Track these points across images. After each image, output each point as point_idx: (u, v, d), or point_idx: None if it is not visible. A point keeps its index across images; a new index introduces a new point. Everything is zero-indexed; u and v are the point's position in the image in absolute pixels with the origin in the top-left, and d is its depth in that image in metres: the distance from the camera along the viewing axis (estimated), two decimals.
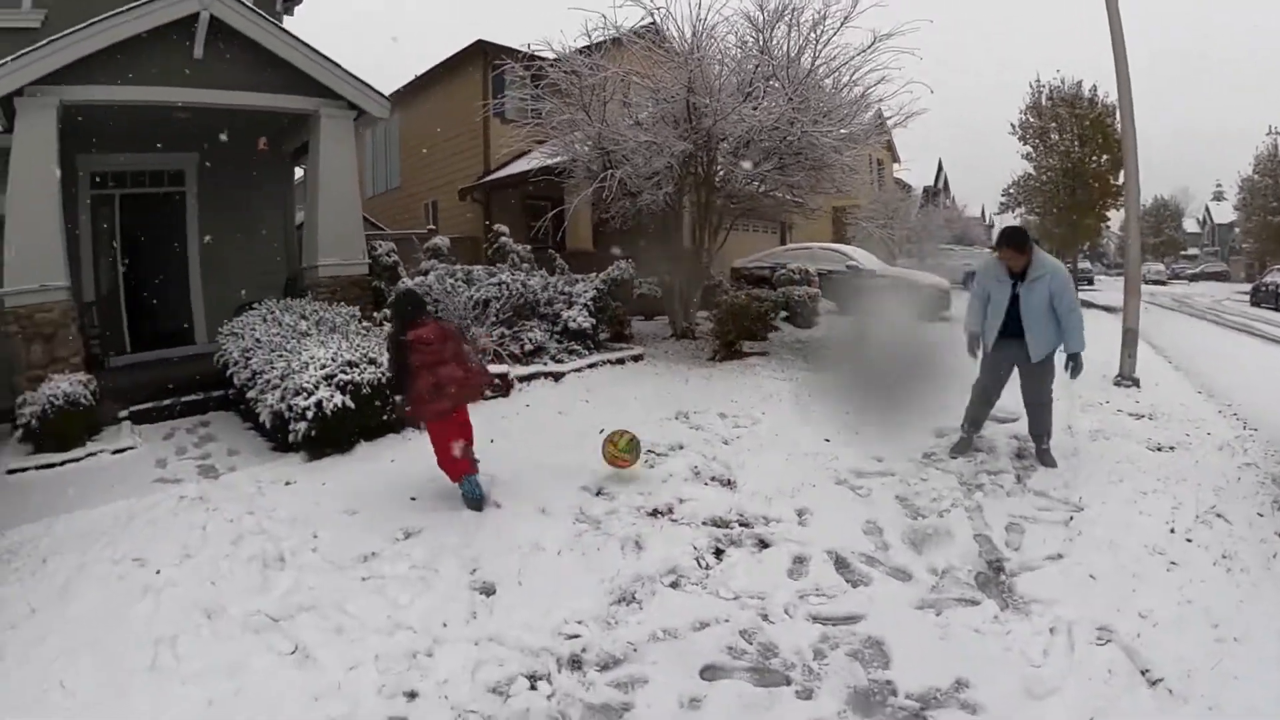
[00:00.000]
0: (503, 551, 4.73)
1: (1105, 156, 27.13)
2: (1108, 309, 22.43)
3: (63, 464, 7.23)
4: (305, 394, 6.84)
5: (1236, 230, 63.85)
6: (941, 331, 13.61)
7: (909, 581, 4.38)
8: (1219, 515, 5.07)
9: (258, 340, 8.38)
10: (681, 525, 5.06)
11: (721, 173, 11.86)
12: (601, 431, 6.95)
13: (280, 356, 7.62)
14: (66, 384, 7.69)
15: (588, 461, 6.22)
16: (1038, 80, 28.75)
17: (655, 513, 5.27)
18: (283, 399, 6.99)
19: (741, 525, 5.07)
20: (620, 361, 10.52)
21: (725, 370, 10.25)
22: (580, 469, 6.12)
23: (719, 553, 4.71)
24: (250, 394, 7.69)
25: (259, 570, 4.69)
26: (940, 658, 3.63)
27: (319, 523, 5.36)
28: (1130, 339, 9.51)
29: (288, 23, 12.82)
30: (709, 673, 3.58)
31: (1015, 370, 6.40)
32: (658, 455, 6.53)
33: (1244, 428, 7.43)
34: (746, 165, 11.20)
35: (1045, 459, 6.25)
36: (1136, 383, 9.24)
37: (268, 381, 7.37)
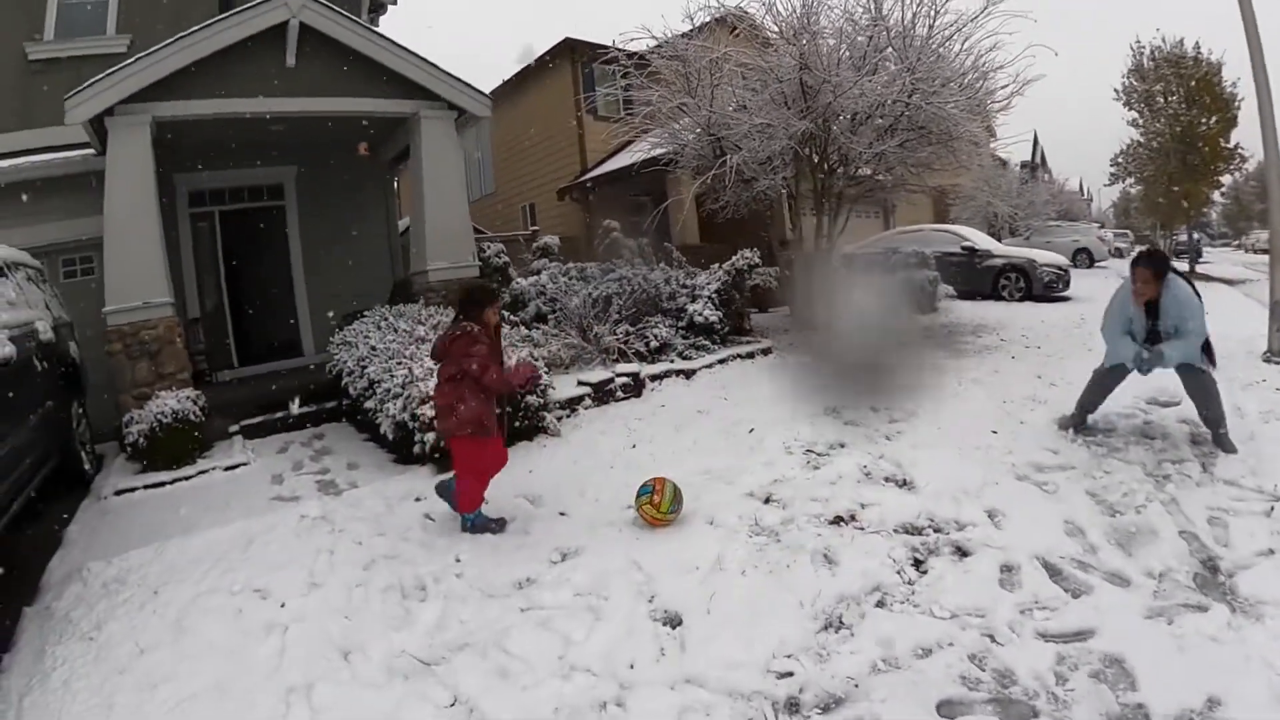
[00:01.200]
0: (679, 573, 4.30)
1: (1215, 118, 25.73)
2: (1227, 281, 21.48)
3: (173, 482, 7.10)
4: (432, 403, 6.56)
5: None
6: (1069, 311, 13.08)
7: (1129, 588, 3.94)
8: None
9: (373, 348, 8.19)
10: (871, 534, 4.63)
11: (838, 154, 11.40)
12: (751, 430, 6.66)
13: (399, 364, 7.39)
14: (174, 400, 7.63)
15: (744, 463, 5.91)
16: (1138, 41, 27.40)
17: (838, 520, 4.85)
18: (405, 408, 6.75)
19: (935, 531, 4.63)
20: (750, 356, 10.17)
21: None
22: (739, 472, 5.78)
23: (918, 563, 4.28)
24: (368, 404, 7.48)
25: (398, 601, 4.32)
26: (1184, 673, 3.21)
27: (460, 544, 5.00)
28: (1279, 313, 8.95)
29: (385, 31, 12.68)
30: (947, 708, 3.15)
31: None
32: (818, 455, 6.14)
33: None
34: (867, 143, 10.72)
35: (1224, 444, 5.84)
36: None
37: (387, 390, 7.13)
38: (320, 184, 12.33)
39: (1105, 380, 6.40)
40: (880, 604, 3.90)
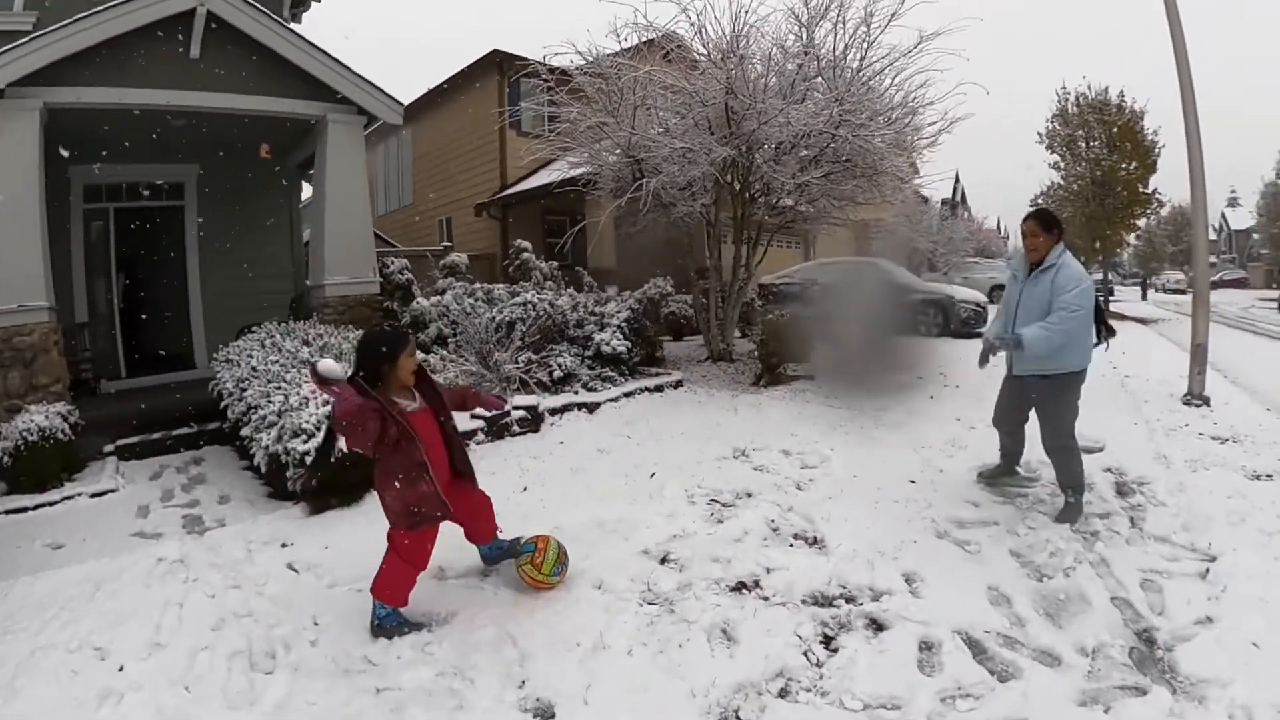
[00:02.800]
0: (558, 650, 3.74)
1: (1134, 164, 26.60)
2: (1141, 320, 21.82)
3: (35, 508, 6.47)
4: (305, 436, 5.92)
5: (1255, 236, 63.90)
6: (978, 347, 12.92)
7: (1060, 668, 3.54)
8: None
9: (254, 369, 7.53)
10: (776, 605, 4.11)
11: (761, 183, 11.06)
12: (652, 475, 6.18)
13: (278, 388, 6.74)
14: (42, 416, 7.00)
15: (642, 514, 5.37)
16: (1064, 88, 28.21)
17: (740, 587, 4.32)
18: (279, 439, 6.08)
19: (847, 601, 4.15)
20: (659, 389, 9.66)
21: (774, 397, 9.38)
22: (636, 525, 5.22)
23: (828, 641, 3.77)
24: (244, 431, 6.79)
25: (244, 671, 3.74)
26: None
27: (319, 603, 4.37)
28: (1200, 355, 8.98)
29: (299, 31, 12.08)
30: None
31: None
32: (724, 506, 5.63)
33: None
34: (791, 173, 10.36)
35: (1066, 514, 5.26)
36: (1207, 401, 8.75)
37: (263, 418, 6.45)
38: (223, 186, 11.67)
39: (999, 413, 5.82)
40: (784, 692, 3.40)
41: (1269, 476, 6.10)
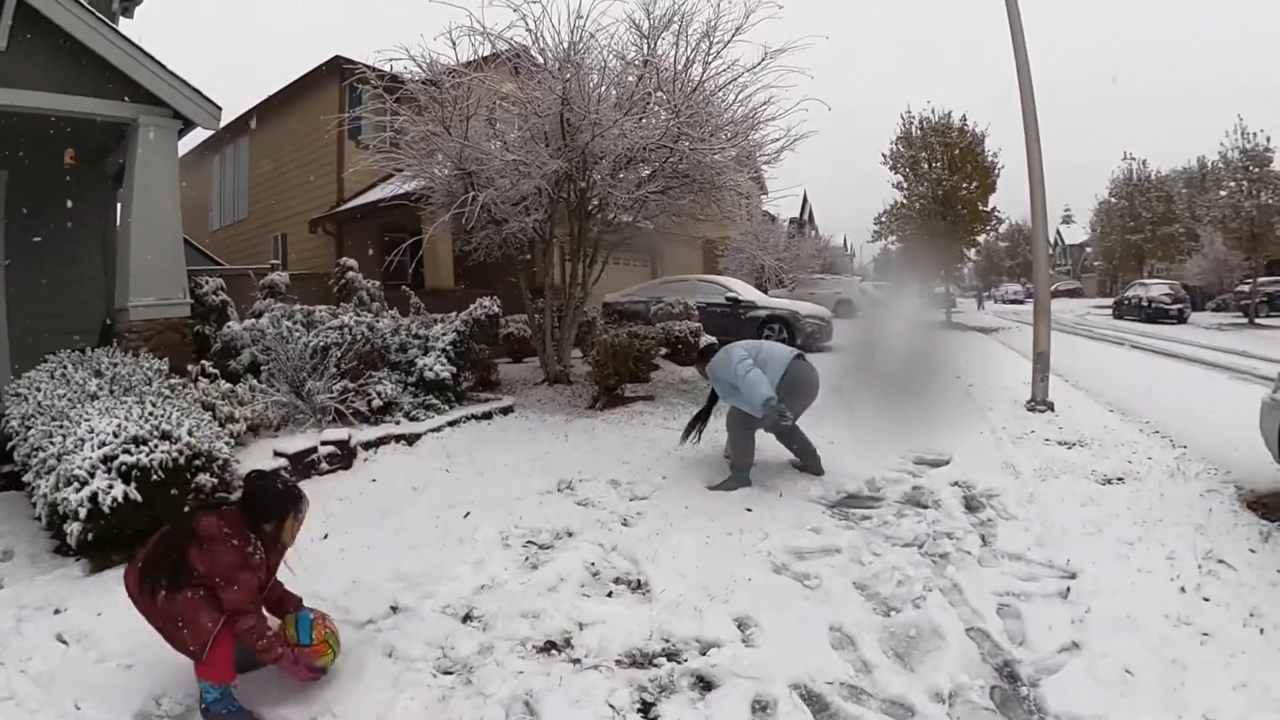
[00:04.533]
0: None
1: (975, 184, 27.81)
2: (981, 330, 22.49)
3: None
4: (77, 484, 5.08)
5: (1088, 250, 68.84)
6: (830, 362, 12.88)
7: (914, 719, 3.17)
8: (1219, 560, 4.47)
9: (39, 405, 6.61)
10: (588, 669, 3.57)
11: (598, 199, 10.72)
12: (466, 515, 5.63)
13: (60, 427, 5.85)
14: None
15: (450, 562, 4.80)
16: (908, 111, 29.24)
17: (550, 648, 3.77)
18: (56, 487, 5.24)
19: (670, 658, 3.63)
20: (487, 416, 9.13)
21: (609, 420, 9.00)
22: (441, 575, 4.64)
23: (647, 709, 3.26)
24: (27, 477, 5.95)
25: None
26: None
27: (85, 682, 3.71)
28: (1042, 362, 9.19)
29: (125, 26, 11.19)
30: None
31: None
32: (541, 548, 5.12)
33: (1173, 446, 7.31)
34: (628, 190, 10.07)
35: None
36: (1051, 407, 8.97)
37: (43, 461, 5.58)
38: (30, 197, 10.43)
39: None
40: None
41: (1119, 480, 6.11)
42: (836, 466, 6.54)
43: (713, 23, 9.85)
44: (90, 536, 5.07)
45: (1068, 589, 4.16)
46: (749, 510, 5.65)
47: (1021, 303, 51.03)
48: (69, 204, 10.57)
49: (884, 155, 29.64)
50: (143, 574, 3.34)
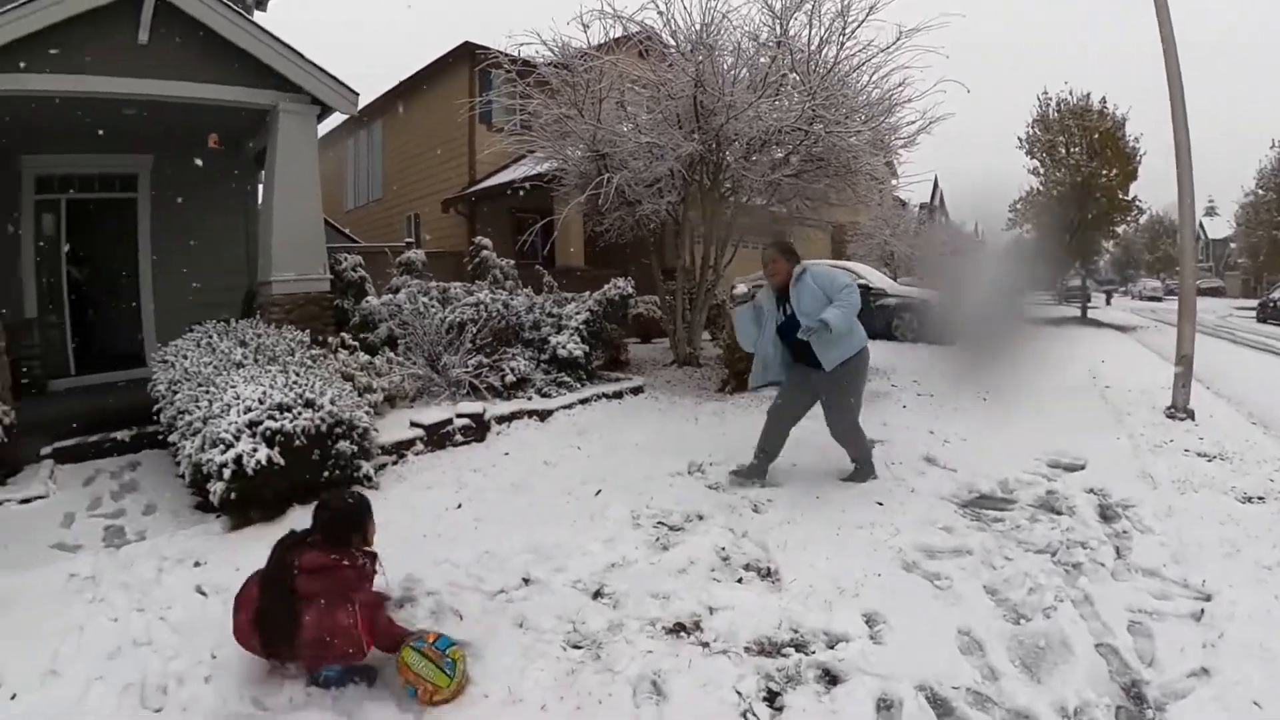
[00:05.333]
0: (462, 702, 3.28)
1: (1115, 170, 26.33)
2: (1118, 328, 21.56)
3: None
4: (223, 446, 5.43)
5: (1232, 246, 63.94)
6: (961, 355, 12.60)
7: None
8: None
9: (186, 371, 7.04)
10: (716, 653, 3.60)
11: (730, 181, 10.68)
12: (598, 492, 5.69)
13: (207, 393, 6.24)
14: None
15: (581, 539, 4.90)
16: (1044, 93, 27.99)
17: (678, 629, 3.82)
18: (201, 448, 5.60)
19: (798, 649, 3.63)
20: (618, 395, 9.28)
21: (738, 405, 8.94)
22: (572, 551, 4.75)
23: (773, 699, 3.26)
24: (172, 437, 6.30)
25: (133, 708, 3.35)
26: None
27: (222, 632, 3.84)
28: (1185, 367, 8.57)
29: (260, 19, 11.69)
30: None
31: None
32: (671, 530, 5.17)
33: None
34: (762, 172, 9.98)
35: (859, 475, 6.10)
36: (1191, 415, 8.32)
37: (189, 424, 5.96)
38: (177, 178, 11.22)
39: (777, 413, 6.19)
40: None
41: (1260, 499, 5.68)
42: (969, 464, 6.39)
43: (846, 2, 9.72)
44: (233, 495, 5.39)
45: (1201, 611, 3.95)
46: (880, 504, 5.56)
47: (1160, 300, 47.96)
48: (211, 185, 11.29)
49: (1019, 139, 28.41)
50: (264, 628, 3.45)
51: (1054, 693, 3.29)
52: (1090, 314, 27.08)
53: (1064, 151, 27.22)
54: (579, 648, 3.72)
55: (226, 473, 5.34)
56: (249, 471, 5.35)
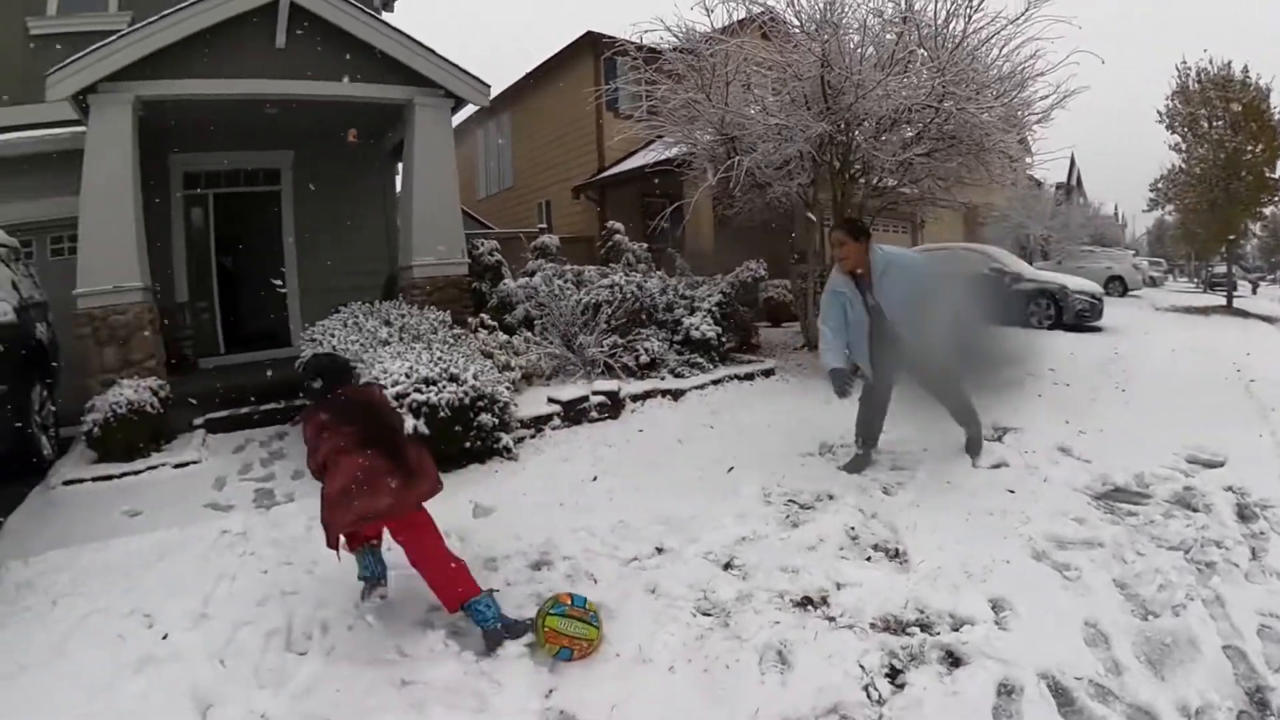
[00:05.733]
0: (594, 659, 3.49)
1: (1260, 146, 24.47)
2: (1267, 319, 20.35)
3: (121, 476, 6.86)
4: None
5: None
6: (1100, 343, 12.26)
7: None
8: None
9: (334, 348, 7.65)
10: (841, 628, 3.71)
11: (860, 162, 10.59)
12: (730, 469, 5.90)
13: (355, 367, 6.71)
14: (131, 390, 7.36)
15: (713, 512, 5.07)
16: (1183, 62, 25.95)
17: (806, 603, 3.95)
18: None
19: (923, 629, 3.71)
20: (749, 377, 9.40)
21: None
22: (705, 523, 4.93)
23: (895, 675, 3.37)
24: None
25: (279, 650, 3.73)
26: None
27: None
28: None
29: (388, 19, 12.30)
30: None
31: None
32: (801, 507, 5.29)
33: None
34: (892, 151, 9.88)
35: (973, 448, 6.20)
36: None
37: None
38: (317, 171, 12.00)
39: (868, 400, 6.17)
40: None
41: None
42: (1104, 456, 6.23)
43: None
44: None
45: None
46: (1011, 492, 5.52)
47: None
48: (350, 176, 12.04)
49: (1159, 112, 26.70)
50: (378, 443, 3.80)
51: (1176, 691, 3.27)
52: (1236, 303, 25.70)
53: (1206, 125, 25.52)
54: (708, 615, 3.89)
55: None
56: None
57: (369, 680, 3.44)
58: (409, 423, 5.82)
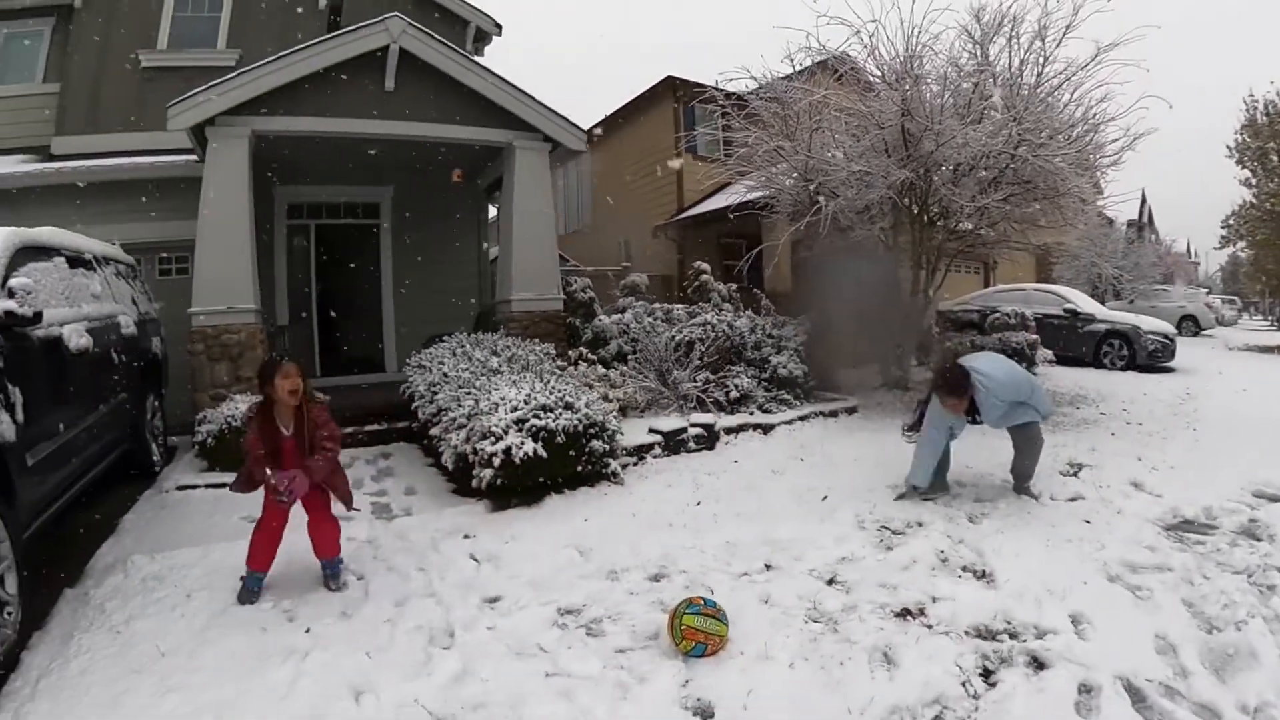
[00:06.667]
0: (721, 658, 3.98)
1: None
2: None
3: None
4: (493, 438, 6.45)
5: None
6: (1171, 385, 12.49)
7: None
8: None
9: (445, 375, 8.19)
10: (938, 634, 4.23)
11: (938, 206, 11.01)
12: (825, 498, 6.38)
13: (468, 394, 7.33)
14: (245, 405, 7.64)
15: (812, 535, 5.57)
16: (1251, 95, 26.02)
17: (905, 613, 4.47)
18: (468, 440, 6.65)
19: (1011, 637, 4.21)
20: (833, 414, 9.86)
21: None
22: (806, 545, 5.44)
23: (988, 674, 3.86)
24: (434, 431, 7.41)
25: (423, 645, 4.13)
26: None
27: (498, 592, 4.82)
28: None
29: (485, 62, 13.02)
30: None
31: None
32: (894, 533, 5.78)
33: None
34: (970, 196, 10.27)
35: (1026, 492, 6.56)
36: None
37: (453, 420, 7.05)
38: (414, 206, 12.74)
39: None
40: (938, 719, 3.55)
41: None
42: (1175, 491, 6.63)
43: (1043, 22, 9.99)
44: (499, 482, 6.38)
45: None
46: (1087, 522, 5.95)
47: None
48: (446, 212, 12.78)
49: (1229, 147, 26.47)
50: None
51: (1237, 693, 3.70)
52: None
53: (1276, 159, 25.26)
54: (818, 622, 4.39)
55: (496, 461, 6.34)
56: (516, 461, 6.36)
57: (515, 673, 3.84)
58: (528, 446, 6.39)
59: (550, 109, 10.63)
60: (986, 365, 6.28)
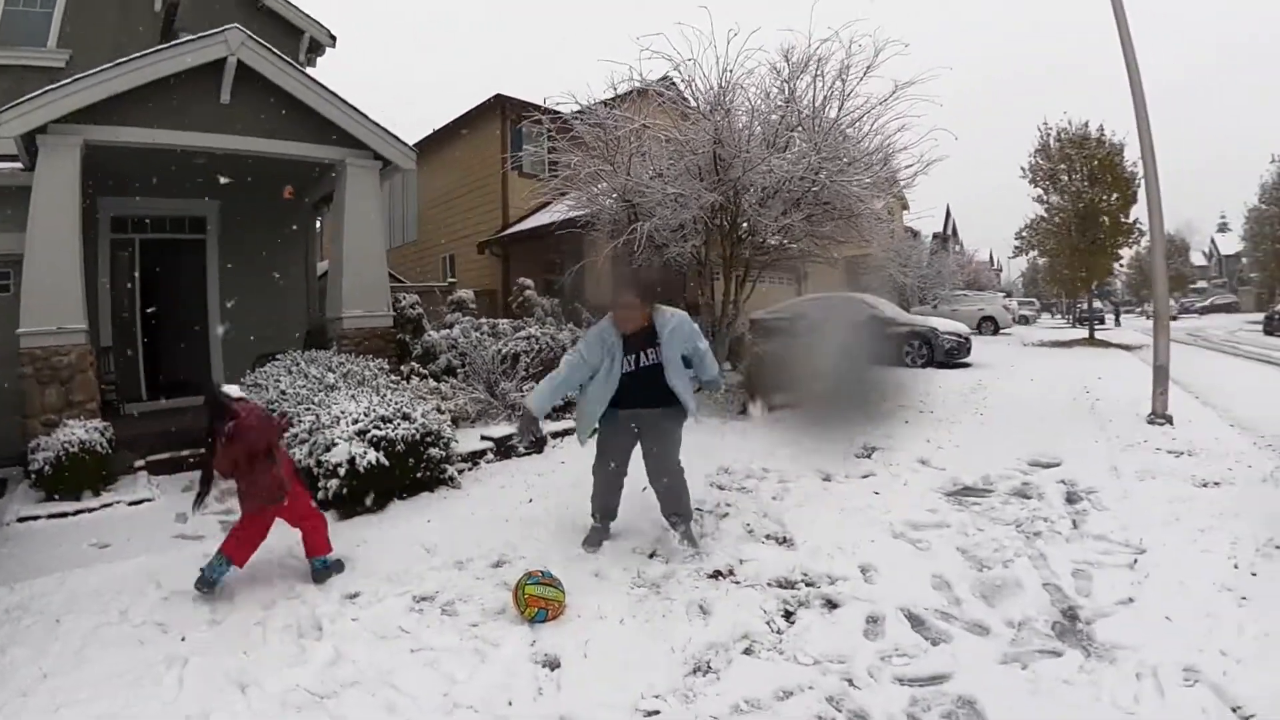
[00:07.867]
0: (561, 621, 4.48)
1: (1115, 195, 26.62)
2: (1124, 347, 22.43)
3: (76, 514, 7.14)
4: (337, 450, 6.67)
5: (1244, 260, 63.86)
6: (965, 378, 13.59)
7: (988, 636, 4.18)
8: (1278, 546, 5.04)
9: (283, 392, 8.27)
10: (746, 588, 4.85)
11: (747, 224, 11.70)
12: (644, 489, 6.77)
13: (308, 410, 7.50)
14: (82, 430, 7.63)
15: (635, 521, 6.06)
16: (1044, 123, 28.35)
17: (716, 575, 5.06)
18: (310, 454, 6.82)
19: (807, 585, 4.86)
20: None
21: (755, 425, 10.00)
22: (628, 530, 5.96)
23: (789, 615, 4.49)
24: None
25: (294, 640, 4.42)
26: (1035, 713, 3.44)
27: (356, 589, 5.12)
28: (1161, 376, 9.54)
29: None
30: None
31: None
32: (707, 513, 6.36)
33: None
34: (774, 217, 11.03)
35: (687, 539, 5.53)
36: (1170, 420, 9.22)
37: (294, 435, 7.18)
38: (242, 221, 12.42)
39: (612, 473, 5.83)
40: (748, 651, 4.09)
41: (1215, 484, 6.61)
42: (957, 464, 7.45)
43: (846, 63, 10.75)
44: (345, 491, 6.60)
45: (1135, 561, 4.98)
46: (877, 493, 6.72)
47: (1174, 318, 48.08)
48: (274, 228, 12.56)
49: (1023, 169, 28.95)
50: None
51: (1004, 613, 4.41)
52: (1098, 334, 27.89)
53: (1065, 179, 27.61)
54: (642, 587, 4.95)
55: (342, 471, 6.56)
56: (360, 470, 6.58)
57: (383, 652, 4.22)
58: (370, 455, 6.63)
59: (383, 128, 10.70)
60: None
